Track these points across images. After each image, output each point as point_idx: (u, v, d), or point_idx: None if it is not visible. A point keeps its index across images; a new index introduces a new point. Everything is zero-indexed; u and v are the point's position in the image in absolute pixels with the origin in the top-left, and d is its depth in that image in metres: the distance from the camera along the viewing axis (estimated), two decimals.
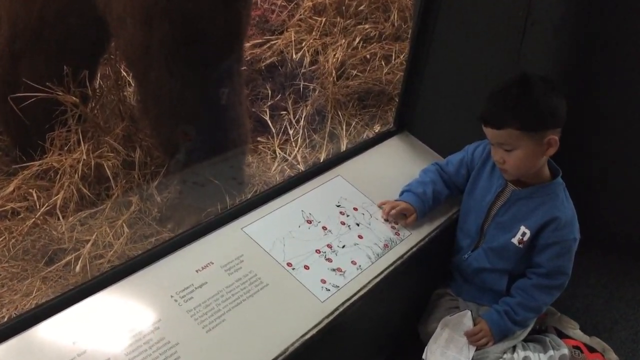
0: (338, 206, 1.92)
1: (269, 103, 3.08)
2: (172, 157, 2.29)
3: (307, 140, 2.92)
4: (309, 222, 1.82)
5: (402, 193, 1.99)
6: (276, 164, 2.65)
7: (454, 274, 2.08)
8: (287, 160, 2.80)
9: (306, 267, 1.68)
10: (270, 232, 1.74)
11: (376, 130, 2.85)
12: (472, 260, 1.95)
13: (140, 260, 1.54)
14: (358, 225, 1.88)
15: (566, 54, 2.02)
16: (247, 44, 3.23)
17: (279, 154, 2.84)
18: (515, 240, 1.83)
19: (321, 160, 2.83)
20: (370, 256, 1.79)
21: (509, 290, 1.89)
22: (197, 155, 2.22)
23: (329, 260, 1.73)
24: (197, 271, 1.56)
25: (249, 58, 3.23)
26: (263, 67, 3.24)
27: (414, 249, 1.88)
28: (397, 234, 1.91)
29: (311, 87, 3.11)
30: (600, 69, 2.12)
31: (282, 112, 3.06)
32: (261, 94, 3.14)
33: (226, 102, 2.24)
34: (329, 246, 1.77)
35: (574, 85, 2.08)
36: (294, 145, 2.88)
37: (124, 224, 2.19)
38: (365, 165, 2.15)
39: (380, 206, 1.95)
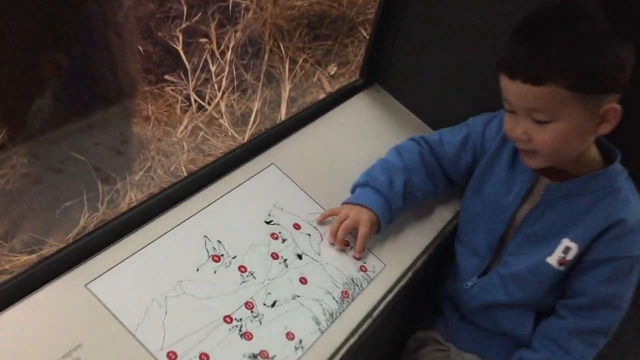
0: (268, 223, 1.16)
1: (184, 25, 2.20)
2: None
3: (236, 82, 2.09)
4: (216, 259, 1.06)
5: (354, 187, 1.25)
6: (186, 120, 1.82)
7: (444, 309, 1.38)
8: (205, 109, 1.98)
9: (204, 359, 0.93)
10: (139, 290, 0.97)
11: (331, 72, 2.05)
12: (480, 290, 1.26)
13: None
14: (300, 257, 1.13)
15: None
16: None
17: (194, 100, 2.00)
18: (553, 260, 1.15)
19: (254, 112, 2.02)
20: (319, 319, 1.05)
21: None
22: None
23: (247, 336, 0.98)
24: None
25: None
26: None
27: (393, 294, 1.16)
28: (362, 268, 1.16)
29: (243, 5, 2.23)
30: None
31: (201, 40, 2.18)
32: (173, 11, 2.24)
33: (95, 24, 1.38)
34: (249, 306, 1.02)
35: None
36: (216, 88, 2.05)
37: None
38: (316, 141, 1.37)
39: (320, 222, 1.20)
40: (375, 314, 1.11)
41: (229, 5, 2.28)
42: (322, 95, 1.98)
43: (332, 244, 1.17)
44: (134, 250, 1.01)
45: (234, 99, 2.05)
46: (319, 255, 1.15)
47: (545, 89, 0.97)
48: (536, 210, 1.16)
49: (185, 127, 1.78)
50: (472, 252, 1.29)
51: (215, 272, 1.04)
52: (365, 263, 1.18)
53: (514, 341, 1.26)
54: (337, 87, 1.86)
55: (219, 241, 1.08)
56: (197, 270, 1.02)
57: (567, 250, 1.13)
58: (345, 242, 1.17)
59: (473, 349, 1.33)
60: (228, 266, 1.05)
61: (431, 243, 1.28)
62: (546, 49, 0.97)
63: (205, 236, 1.08)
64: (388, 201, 1.19)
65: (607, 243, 1.10)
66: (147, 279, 0.98)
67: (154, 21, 2.19)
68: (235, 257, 1.07)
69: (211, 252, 1.06)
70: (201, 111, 1.98)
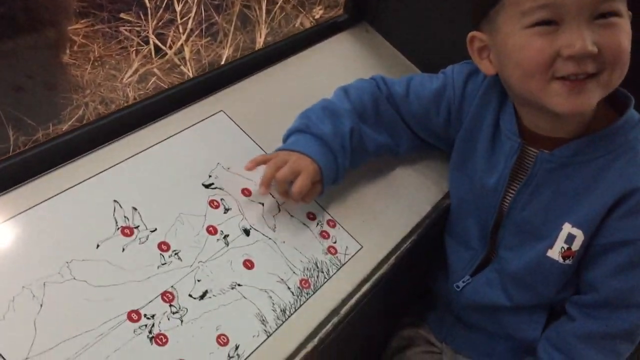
0: (208, 187, 0.87)
1: None
2: None
3: (204, 25, 1.78)
4: (127, 232, 0.77)
5: (289, 134, 0.93)
6: (137, 64, 1.51)
7: (438, 304, 1.12)
8: (163, 55, 1.67)
9: None
10: (2, 272, 0.68)
11: (317, 16, 1.74)
12: (473, 291, 1.01)
13: None
14: (247, 233, 0.85)
15: None
16: None
17: (153, 43, 1.70)
18: (555, 253, 0.87)
19: (224, 59, 1.72)
20: (266, 317, 0.78)
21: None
22: None
23: (160, 340, 0.70)
24: None
25: None
26: None
27: (369, 284, 0.88)
28: (331, 250, 0.89)
29: None
30: None
31: None
32: None
33: None
34: (168, 298, 0.74)
35: None
36: (180, 31, 1.74)
37: None
38: (282, 85, 1.08)
39: (249, 169, 0.89)
40: (343, 310, 0.83)
41: None
42: None
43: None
44: (8, 215, 0.73)
45: (201, 45, 1.74)
46: (274, 231, 0.87)
47: None
48: (525, 190, 0.88)
49: (136, 71, 1.48)
50: (463, 244, 1.01)
51: (123, 249, 0.75)
52: (335, 243, 0.89)
53: (524, 345, 0.99)
54: None
55: (134, 208, 0.80)
56: (98, 246, 0.74)
57: (570, 238, 0.85)
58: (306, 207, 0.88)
59: (473, 353, 1.06)
60: (143, 242, 0.77)
61: (421, 222, 1.00)
62: None
63: (115, 201, 0.79)
64: (332, 152, 0.89)
65: (620, 221, 0.82)
66: (18, 256, 0.70)
67: None
68: (155, 230, 0.79)
69: (121, 223, 0.77)
70: (159, 56, 1.68)
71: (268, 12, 1.77)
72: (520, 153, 0.88)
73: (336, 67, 1.16)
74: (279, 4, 1.76)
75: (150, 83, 1.44)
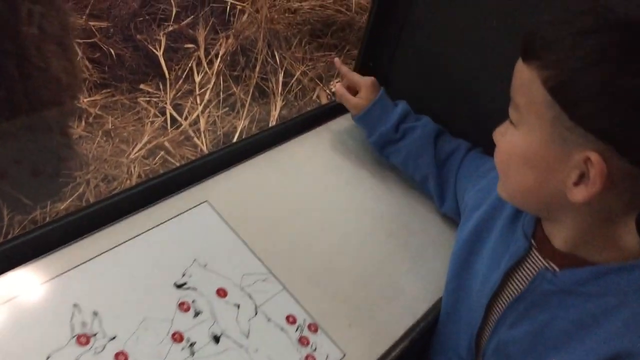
0: (180, 287, 0.82)
1: (170, 28, 1.91)
2: None
3: (222, 96, 1.78)
4: (83, 340, 0.73)
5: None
6: (147, 136, 1.50)
7: None
8: (179, 126, 1.67)
9: None
10: None
11: (334, 89, 1.70)
12: None
13: None
14: (217, 340, 0.79)
15: None
16: None
17: (170, 114, 1.70)
18: None
19: (238, 132, 1.71)
20: None
21: None
22: None
23: None
24: None
25: None
26: None
27: None
28: (309, 359, 0.82)
29: (238, 7, 1.93)
30: None
31: (188, 46, 1.89)
32: (161, 13, 1.96)
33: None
34: None
35: None
36: (198, 101, 1.74)
37: None
38: (273, 175, 1.03)
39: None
40: None
41: (226, 8, 1.99)
42: None
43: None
44: None
45: (217, 116, 1.74)
46: (247, 337, 0.81)
47: (527, 70, 0.64)
48: (516, 306, 0.77)
49: (144, 146, 1.47)
50: (452, 351, 0.91)
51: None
52: (314, 351, 0.83)
53: None
54: None
55: (94, 313, 0.75)
56: (48, 358, 0.70)
57: None
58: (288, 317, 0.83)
59: None
60: (99, 352, 0.72)
61: (415, 325, 0.92)
62: (555, 27, 0.63)
63: (75, 305, 0.75)
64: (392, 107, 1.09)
65: None
66: None
67: (136, 23, 1.91)
68: (114, 337, 0.74)
69: (77, 330, 0.73)
70: (174, 127, 1.68)
71: (285, 84, 1.76)
72: (525, 258, 0.78)
73: (331, 155, 1.11)
74: (295, 77, 1.75)
75: (157, 157, 1.43)
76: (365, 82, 1.11)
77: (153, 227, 0.88)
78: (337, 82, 1.12)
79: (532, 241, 0.77)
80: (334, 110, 1.19)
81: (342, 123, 1.18)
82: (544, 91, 0.62)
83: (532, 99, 0.64)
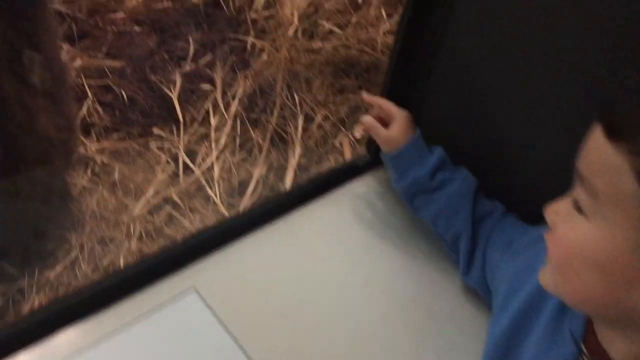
0: None
1: (187, 68, 1.82)
2: None
3: (239, 140, 1.67)
4: None
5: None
6: (153, 189, 1.39)
7: None
8: (191, 171, 1.56)
9: None
10: None
11: (357, 136, 1.58)
12: None
13: None
14: None
15: None
16: None
17: (183, 160, 1.60)
18: None
19: (253, 181, 1.58)
20: None
21: None
22: None
23: None
24: None
25: None
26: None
27: None
28: None
29: (257, 46, 1.82)
30: None
31: (204, 87, 1.79)
32: (179, 51, 1.87)
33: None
34: None
35: None
36: (212, 147, 1.63)
37: None
38: (276, 255, 0.90)
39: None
40: None
41: (245, 46, 1.88)
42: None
43: None
44: None
45: (233, 162, 1.62)
46: None
47: (613, 153, 0.49)
48: None
49: (149, 201, 1.36)
50: None
51: None
52: None
53: None
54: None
55: None
56: None
57: None
58: None
59: None
60: None
61: None
62: None
63: None
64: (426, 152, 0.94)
65: None
66: None
67: (153, 61, 1.82)
68: None
69: None
70: (187, 174, 1.56)
71: (305, 129, 1.63)
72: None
73: (347, 228, 0.97)
74: (315, 121, 1.62)
75: (162, 213, 1.31)
76: (401, 114, 0.96)
77: (124, 327, 0.75)
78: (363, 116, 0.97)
79: (583, 347, 0.62)
80: (344, 174, 1.05)
81: (355, 188, 1.04)
82: (636, 186, 0.47)
83: (619, 190, 0.49)
